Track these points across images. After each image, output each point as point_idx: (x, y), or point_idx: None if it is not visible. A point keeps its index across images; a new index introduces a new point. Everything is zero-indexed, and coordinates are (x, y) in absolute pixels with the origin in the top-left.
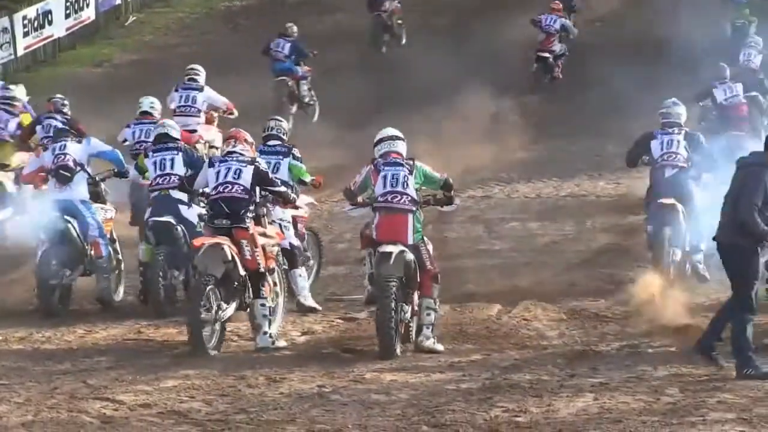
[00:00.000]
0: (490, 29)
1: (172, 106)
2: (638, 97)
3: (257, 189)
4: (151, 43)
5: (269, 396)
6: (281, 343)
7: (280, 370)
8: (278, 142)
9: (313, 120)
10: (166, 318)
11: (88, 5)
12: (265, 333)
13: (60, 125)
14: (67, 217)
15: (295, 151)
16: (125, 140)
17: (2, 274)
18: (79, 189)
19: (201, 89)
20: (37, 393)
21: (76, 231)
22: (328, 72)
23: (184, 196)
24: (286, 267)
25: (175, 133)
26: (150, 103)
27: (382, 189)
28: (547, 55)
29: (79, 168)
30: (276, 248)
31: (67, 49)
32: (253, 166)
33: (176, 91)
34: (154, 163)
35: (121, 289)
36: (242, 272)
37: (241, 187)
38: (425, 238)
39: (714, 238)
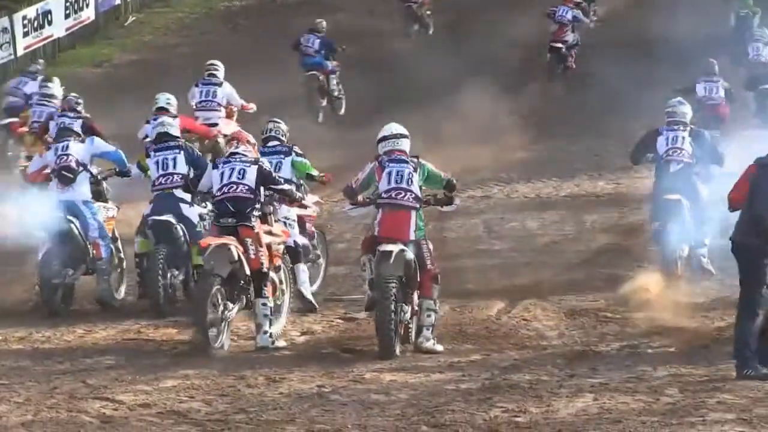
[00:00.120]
0: (490, 29)
1: (194, 101)
2: (638, 97)
3: (262, 188)
4: (150, 43)
5: (269, 396)
6: (281, 343)
7: (280, 370)
8: (277, 143)
9: (340, 113)
10: (165, 318)
11: (87, 5)
12: (266, 332)
13: (73, 123)
14: (70, 217)
15: (296, 149)
16: (146, 136)
17: (2, 274)
18: (81, 189)
19: (220, 84)
20: (36, 393)
21: (78, 230)
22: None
23: (186, 195)
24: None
25: (176, 132)
26: (166, 99)
27: (387, 185)
28: (560, 45)
29: (81, 168)
30: (282, 246)
31: (66, 49)
32: (256, 166)
33: (197, 86)
34: (157, 162)
35: (123, 288)
36: (248, 272)
37: (246, 187)
38: (427, 237)
39: (730, 238)
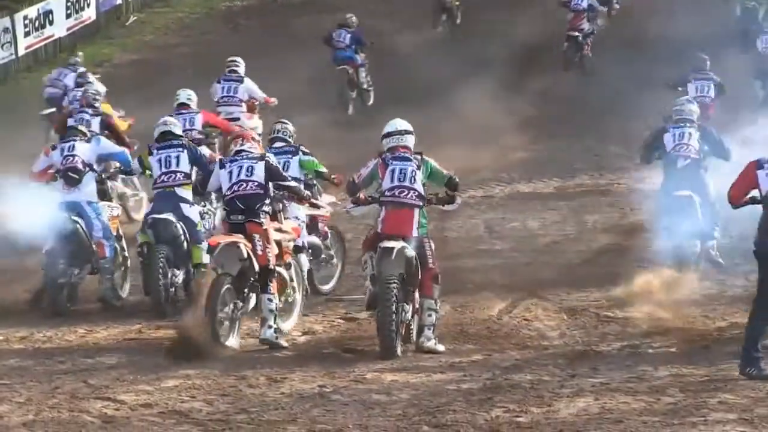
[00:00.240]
0: (490, 29)
1: (216, 97)
2: (639, 97)
3: (270, 183)
4: (151, 43)
5: (270, 396)
6: (282, 342)
7: (281, 370)
8: (284, 144)
9: (369, 103)
10: (167, 318)
11: (88, 5)
12: (270, 327)
13: (91, 120)
14: (75, 218)
15: (303, 149)
16: None
17: (3, 274)
18: (87, 190)
19: (241, 80)
20: (38, 392)
21: (83, 230)
22: (328, 71)
23: (187, 194)
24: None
25: (178, 130)
26: (187, 95)
27: (390, 183)
28: (576, 34)
29: (87, 169)
30: (292, 244)
31: (67, 48)
32: (263, 162)
33: (218, 82)
34: (159, 160)
35: (127, 286)
36: (257, 268)
37: (256, 183)
38: (429, 235)
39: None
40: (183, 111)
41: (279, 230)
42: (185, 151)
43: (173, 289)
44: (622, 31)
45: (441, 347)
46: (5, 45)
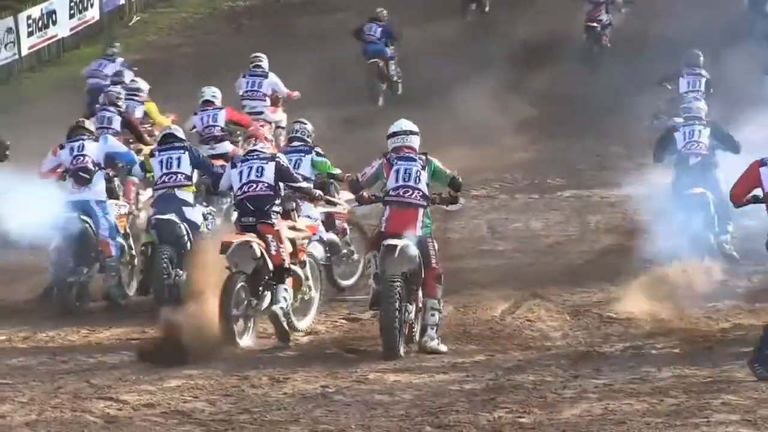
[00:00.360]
0: (491, 28)
1: (240, 91)
2: (639, 97)
3: (281, 184)
4: (154, 43)
5: (273, 396)
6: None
7: (284, 371)
8: (300, 143)
9: (398, 93)
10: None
11: (92, 5)
12: (282, 308)
13: (113, 117)
14: (84, 217)
15: (318, 149)
16: (194, 127)
17: (4, 273)
18: (96, 189)
19: (266, 75)
20: (40, 392)
21: (92, 230)
22: (328, 72)
23: (188, 197)
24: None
25: (181, 135)
26: (212, 93)
27: (395, 183)
28: (595, 24)
29: (97, 169)
30: (306, 241)
31: (71, 49)
32: (274, 162)
33: (243, 77)
34: (160, 161)
35: (134, 284)
36: (271, 267)
37: (266, 185)
38: (432, 235)
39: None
40: (208, 108)
41: (293, 228)
42: (186, 153)
43: (176, 290)
44: (623, 31)
45: (444, 347)
46: (8, 45)
